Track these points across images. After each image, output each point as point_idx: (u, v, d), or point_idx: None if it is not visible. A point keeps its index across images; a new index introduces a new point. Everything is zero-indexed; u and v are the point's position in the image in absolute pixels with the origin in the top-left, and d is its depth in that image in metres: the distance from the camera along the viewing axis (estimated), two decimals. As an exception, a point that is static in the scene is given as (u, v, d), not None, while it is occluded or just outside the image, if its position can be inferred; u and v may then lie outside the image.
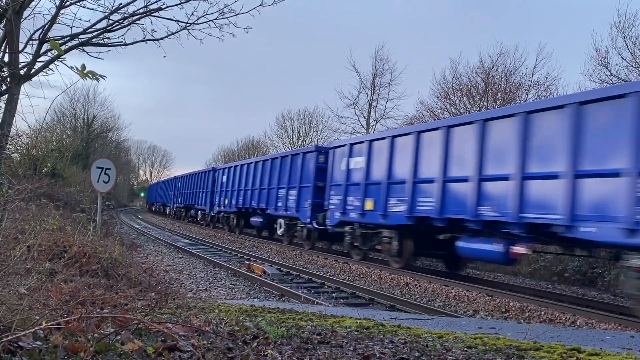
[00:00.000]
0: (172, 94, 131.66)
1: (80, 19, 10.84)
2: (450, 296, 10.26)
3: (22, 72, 8.67)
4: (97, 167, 12.19)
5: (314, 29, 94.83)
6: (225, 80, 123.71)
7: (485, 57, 24.80)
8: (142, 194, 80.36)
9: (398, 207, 12.56)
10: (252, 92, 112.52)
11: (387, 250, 13.39)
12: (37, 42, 8.94)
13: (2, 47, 8.64)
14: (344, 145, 15.64)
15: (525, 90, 23.14)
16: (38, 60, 8.87)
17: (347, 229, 15.08)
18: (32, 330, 2.37)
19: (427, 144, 11.97)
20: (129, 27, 9.28)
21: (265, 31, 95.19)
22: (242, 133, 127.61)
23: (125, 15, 9.17)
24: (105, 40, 9.30)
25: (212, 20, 9.02)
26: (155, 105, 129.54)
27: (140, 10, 9.14)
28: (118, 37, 9.33)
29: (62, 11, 9.12)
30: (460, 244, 10.89)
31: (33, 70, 8.82)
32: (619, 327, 7.39)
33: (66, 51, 8.76)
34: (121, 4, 9.08)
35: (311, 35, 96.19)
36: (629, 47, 17.78)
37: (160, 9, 9.11)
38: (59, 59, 8.61)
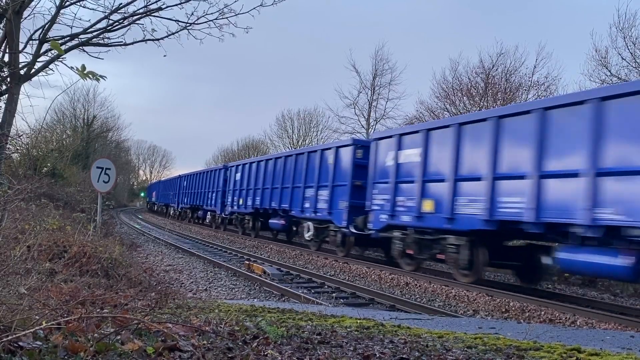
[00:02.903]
0: (172, 94, 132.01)
1: (80, 19, 10.83)
2: (450, 296, 10.25)
3: (22, 72, 8.68)
4: (97, 167, 12.20)
5: (314, 29, 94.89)
6: (225, 80, 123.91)
7: (485, 57, 24.84)
8: (142, 194, 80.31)
9: (470, 208, 10.42)
10: (253, 92, 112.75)
11: (454, 260, 11.16)
12: (37, 42, 8.95)
13: (2, 47, 8.65)
14: (390, 137, 13.29)
15: (525, 90, 23.18)
16: (38, 60, 8.88)
17: (396, 234, 12.82)
18: (32, 330, 2.37)
19: (511, 131, 9.87)
20: (129, 27, 9.30)
21: (265, 31, 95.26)
22: (242, 133, 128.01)
23: (125, 15, 9.18)
24: (105, 40, 9.31)
25: (212, 20, 9.03)
26: (155, 105, 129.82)
27: (140, 10, 9.15)
28: (118, 37, 9.35)
29: (62, 11, 9.13)
30: (563, 255, 8.79)
31: (33, 70, 8.82)
32: (619, 327, 7.39)
33: (66, 51, 8.77)
34: (121, 4, 9.09)
35: (311, 35, 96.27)
36: (629, 47, 17.82)
37: (160, 9, 9.12)
38: (59, 59, 8.62)
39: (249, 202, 22.59)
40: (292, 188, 18.46)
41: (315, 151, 17.50)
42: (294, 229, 19.49)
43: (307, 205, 17.22)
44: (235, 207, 24.54)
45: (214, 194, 28.71)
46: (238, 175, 24.67)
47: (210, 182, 29.75)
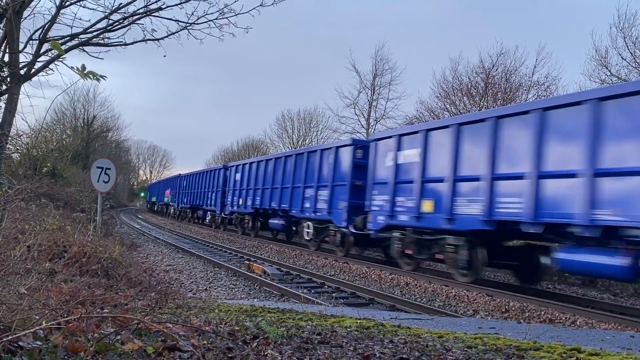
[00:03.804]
0: (172, 94, 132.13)
1: (80, 19, 10.82)
2: (450, 296, 10.25)
3: (22, 72, 8.67)
4: (97, 167, 12.21)
5: (314, 29, 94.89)
6: (225, 80, 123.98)
7: (486, 57, 24.82)
8: (142, 194, 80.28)
9: None
10: (253, 92, 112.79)
11: None
12: (37, 42, 8.95)
13: (2, 47, 8.64)
14: None
15: (525, 90, 23.18)
16: (38, 60, 8.88)
17: None
18: (32, 330, 2.37)
19: None
20: (129, 27, 9.29)
21: (265, 31, 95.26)
22: (242, 133, 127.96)
23: (125, 15, 9.18)
24: (105, 40, 9.31)
25: (212, 20, 9.03)
26: (155, 105, 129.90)
27: (140, 10, 9.15)
28: (118, 37, 9.34)
29: (62, 11, 9.12)
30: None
31: (33, 70, 8.82)
32: (619, 327, 7.39)
33: (66, 51, 8.77)
34: (121, 4, 9.09)
35: (311, 35, 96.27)
36: (629, 47, 17.83)
37: (160, 9, 9.12)
38: (59, 59, 8.62)
39: (481, 211, 9.92)
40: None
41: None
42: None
43: None
44: (402, 216, 12.63)
45: (327, 191, 16.31)
46: (407, 154, 12.64)
47: (302, 173, 18.01)
